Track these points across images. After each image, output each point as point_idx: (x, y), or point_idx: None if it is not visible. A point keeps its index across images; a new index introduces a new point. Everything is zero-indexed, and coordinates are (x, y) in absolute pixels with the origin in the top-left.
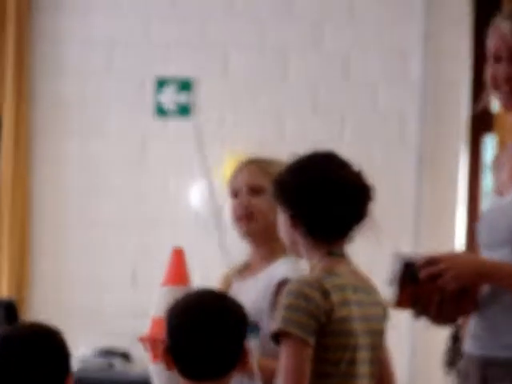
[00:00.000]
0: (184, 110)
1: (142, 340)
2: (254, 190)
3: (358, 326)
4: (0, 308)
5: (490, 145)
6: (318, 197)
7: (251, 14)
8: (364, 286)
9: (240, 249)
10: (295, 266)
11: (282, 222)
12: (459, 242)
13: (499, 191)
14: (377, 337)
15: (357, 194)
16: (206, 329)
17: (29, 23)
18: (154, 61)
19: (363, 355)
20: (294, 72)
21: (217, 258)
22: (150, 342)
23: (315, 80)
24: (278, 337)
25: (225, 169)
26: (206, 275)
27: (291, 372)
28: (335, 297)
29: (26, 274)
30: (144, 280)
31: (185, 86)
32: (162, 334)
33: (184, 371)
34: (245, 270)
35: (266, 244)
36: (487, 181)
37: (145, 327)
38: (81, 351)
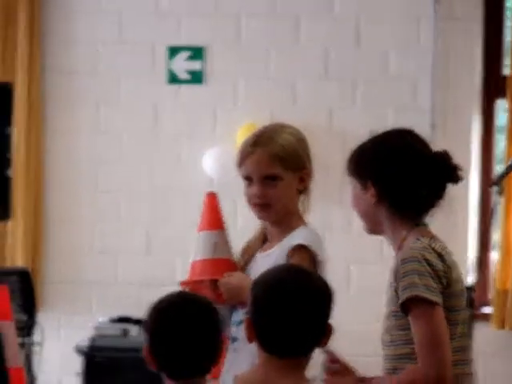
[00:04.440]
0: (196, 78)
1: (183, 284)
2: (268, 179)
3: (460, 287)
4: (15, 276)
5: (502, 109)
6: (410, 172)
7: None
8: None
9: (252, 217)
10: (310, 233)
11: (362, 199)
12: (473, 206)
13: None
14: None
15: (445, 172)
16: (292, 305)
17: None
18: (166, 29)
19: (463, 316)
20: (306, 38)
21: (229, 226)
22: (192, 285)
23: (327, 45)
24: (405, 305)
25: (237, 136)
26: None
27: (437, 335)
28: (447, 259)
29: (41, 243)
30: (158, 248)
31: (197, 53)
32: (202, 276)
33: (266, 346)
34: (263, 242)
35: (282, 221)
36: (500, 146)
37: (160, 294)
38: (96, 319)
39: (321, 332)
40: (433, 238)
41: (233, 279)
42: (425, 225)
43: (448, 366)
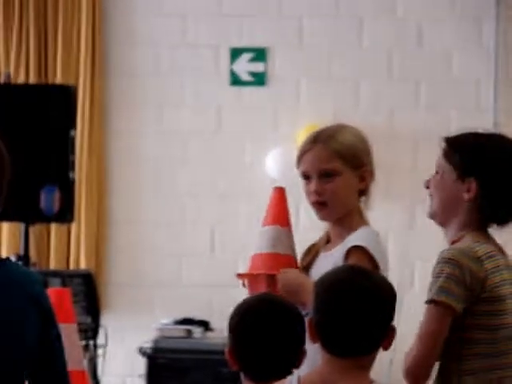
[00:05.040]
0: (259, 80)
1: (240, 276)
2: (325, 175)
3: (509, 290)
4: (78, 279)
5: None
6: None
7: None
8: (501, 252)
9: (315, 219)
10: (371, 234)
11: (453, 189)
12: None
13: None
14: None
15: None
16: (352, 305)
17: None
18: (228, 31)
19: None
20: (368, 39)
21: (293, 226)
22: (248, 278)
23: (389, 47)
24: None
25: (300, 137)
26: None
27: (429, 336)
28: (488, 264)
29: (104, 245)
30: (222, 250)
31: (259, 55)
32: (260, 269)
33: (328, 346)
34: (326, 243)
35: (343, 220)
36: None
37: (224, 296)
38: (159, 321)
39: (383, 333)
40: (481, 240)
41: (290, 275)
42: (487, 231)
43: (421, 369)
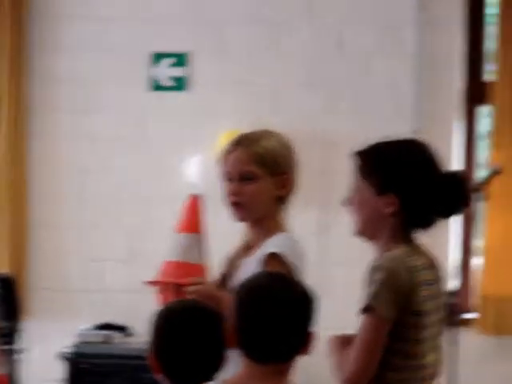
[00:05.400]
0: (180, 85)
1: (149, 283)
2: (245, 177)
3: (430, 305)
4: None
5: (483, 116)
6: (435, 191)
7: None
8: (431, 265)
9: (234, 225)
10: (287, 240)
11: (373, 204)
12: None
13: None
14: (441, 313)
15: (463, 195)
16: (273, 312)
17: (26, 1)
18: (149, 36)
19: (432, 332)
20: (288, 45)
21: (210, 234)
22: (157, 285)
23: (310, 53)
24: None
25: (220, 143)
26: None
27: (367, 344)
28: (417, 276)
29: (25, 249)
30: (142, 255)
31: (180, 60)
32: (168, 277)
33: (249, 353)
34: (246, 250)
35: (260, 225)
36: (481, 152)
37: (144, 301)
38: (80, 326)
39: (302, 338)
40: (411, 253)
41: (206, 288)
42: (416, 241)
43: (361, 377)
